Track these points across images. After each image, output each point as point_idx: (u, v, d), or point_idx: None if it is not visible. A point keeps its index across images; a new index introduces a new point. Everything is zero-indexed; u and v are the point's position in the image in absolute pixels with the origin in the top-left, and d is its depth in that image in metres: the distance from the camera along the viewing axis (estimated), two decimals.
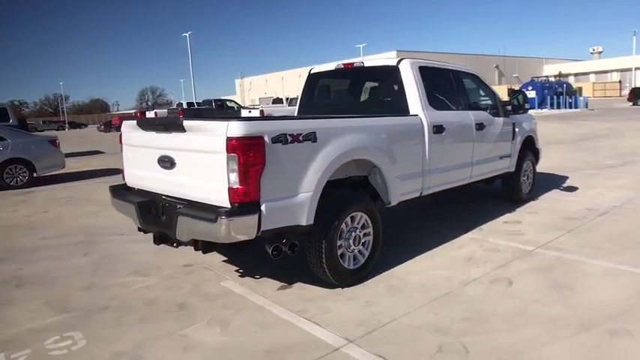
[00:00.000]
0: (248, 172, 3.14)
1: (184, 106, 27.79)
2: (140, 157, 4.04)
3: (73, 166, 13.43)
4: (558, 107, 31.34)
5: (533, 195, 6.95)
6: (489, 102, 5.91)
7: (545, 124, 21.58)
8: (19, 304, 3.93)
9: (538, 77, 37.66)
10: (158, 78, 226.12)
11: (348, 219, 3.88)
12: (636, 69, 57.50)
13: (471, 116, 5.34)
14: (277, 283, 4.10)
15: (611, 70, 63.63)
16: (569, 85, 34.64)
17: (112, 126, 38.92)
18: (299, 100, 5.78)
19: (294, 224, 3.46)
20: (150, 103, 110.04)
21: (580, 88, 39.32)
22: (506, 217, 6.01)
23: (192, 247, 3.71)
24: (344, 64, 5.25)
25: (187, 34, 45.19)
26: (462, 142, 5.17)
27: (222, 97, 37.42)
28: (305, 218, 3.50)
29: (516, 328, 3.17)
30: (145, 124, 3.90)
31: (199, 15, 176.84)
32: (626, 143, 13.31)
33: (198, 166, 3.42)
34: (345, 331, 3.20)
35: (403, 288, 3.90)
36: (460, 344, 2.98)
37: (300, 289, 3.98)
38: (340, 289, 3.91)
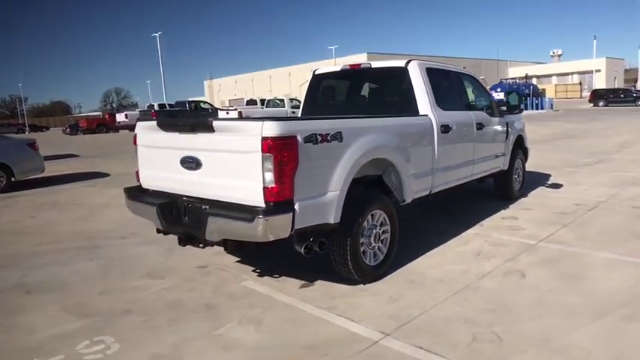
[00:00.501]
0: (283, 171, 3.19)
1: (156, 107, 27.25)
2: (159, 158, 4.02)
3: (50, 170, 13.00)
4: (526, 108, 32.39)
5: (523, 192, 7.24)
6: (485, 102, 6.13)
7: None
8: (35, 311, 3.83)
9: (506, 79, 38.90)
10: (123, 79, 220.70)
11: (369, 216, 3.98)
12: (596, 71, 60.32)
13: (472, 116, 5.54)
14: (298, 282, 4.16)
15: (572, 73, 66.36)
16: (535, 87, 35.96)
17: (80, 129, 37.72)
18: (303, 101, 5.84)
19: (323, 222, 3.53)
20: (114, 105, 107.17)
21: (544, 90, 40.85)
22: (502, 213, 6.24)
23: (212, 248, 3.71)
24: (350, 66, 5.36)
25: (157, 35, 44.38)
26: (465, 141, 5.36)
27: (195, 99, 36.93)
28: (333, 216, 3.57)
29: (539, 317, 3.34)
30: (167, 125, 3.88)
31: (165, 14, 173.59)
32: (596, 142, 13.96)
33: (229, 167, 3.44)
34: (379, 325, 3.29)
35: (423, 282, 4.03)
36: (492, 333, 3.12)
37: (322, 286, 4.04)
38: (362, 285, 4.00)
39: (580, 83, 56.86)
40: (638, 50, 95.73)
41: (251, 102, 33.52)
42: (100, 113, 53.10)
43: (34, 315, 3.76)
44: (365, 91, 5.63)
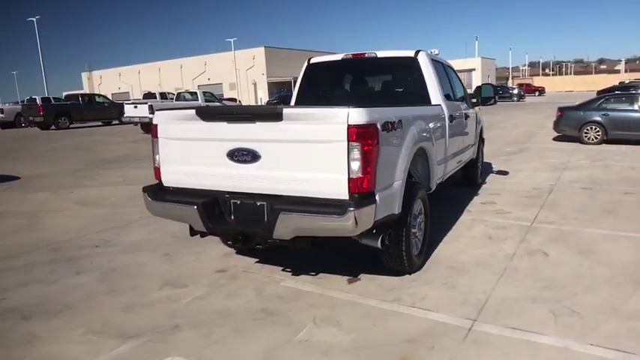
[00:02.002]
0: (368, 161, 3.06)
1: (39, 102, 24.07)
2: (195, 152, 3.59)
3: None
4: None
5: (483, 179, 7.78)
6: (463, 94, 6.46)
7: None
8: (55, 338, 3.21)
9: None
10: None
11: (415, 206, 3.98)
12: (473, 70, 67.45)
13: (462, 107, 5.81)
14: (341, 277, 4.02)
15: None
16: None
17: None
18: (297, 90, 5.61)
19: (391, 213, 3.46)
20: None
21: None
22: (478, 199, 6.65)
23: (212, 250, 3.43)
24: (353, 55, 5.28)
25: (34, 19, 39.21)
26: (460, 130, 5.61)
27: (79, 92, 33.41)
28: (397, 207, 3.52)
29: (590, 289, 3.63)
30: (212, 114, 3.48)
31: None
32: (503, 134, 15.48)
33: (300, 158, 3.20)
34: (459, 312, 3.32)
35: (463, 268, 4.14)
36: (566, 308, 3.32)
37: (369, 280, 3.96)
38: (408, 275, 4.00)
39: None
40: (509, 52, 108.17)
41: (149, 95, 31.27)
42: None
43: (59, 344, 3.15)
44: (370, 81, 5.59)
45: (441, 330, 3.10)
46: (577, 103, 13.56)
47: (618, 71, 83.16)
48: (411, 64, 4.93)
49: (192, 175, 3.66)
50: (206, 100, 20.97)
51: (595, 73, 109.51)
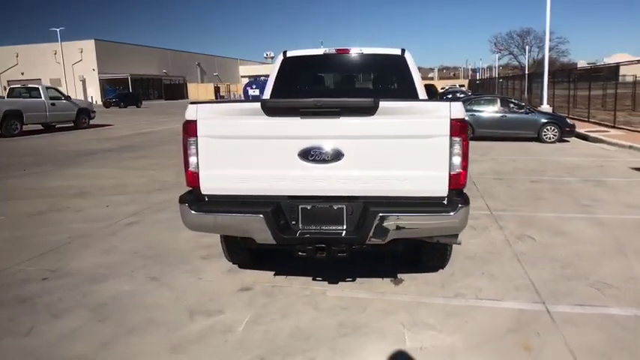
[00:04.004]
0: (465, 155, 3.02)
1: None
2: (253, 152, 3.07)
3: None
4: None
5: None
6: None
7: None
8: None
9: (259, 77, 41.17)
10: None
11: None
12: None
13: None
14: (381, 280, 3.90)
15: None
16: None
17: None
18: (272, 85, 5.19)
19: None
20: None
21: None
22: None
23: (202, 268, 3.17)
24: (337, 50, 5.10)
25: None
26: None
27: None
28: None
29: (597, 263, 4.18)
30: (281, 109, 3.00)
31: None
32: None
33: (393, 155, 2.99)
34: (524, 298, 3.53)
35: (482, 258, 4.37)
36: (599, 282, 3.76)
37: (411, 279, 3.91)
38: (442, 270, 4.06)
39: None
40: None
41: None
42: None
43: None
44: (354, 77, 5.45)
45: (528, 316, 3.24)
46: None
47: (432, 78, 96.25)
48: (399, 61, 4.98)
49: (247, 180, 3.12)
50: (51, 98, 17.87)
51: None
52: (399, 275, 3.97)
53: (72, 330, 3.18)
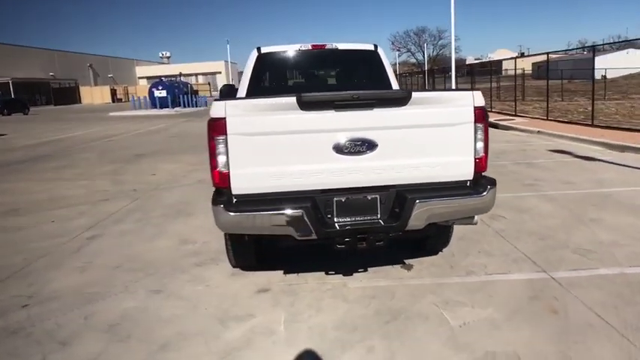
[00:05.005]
0: (487, 140, 3.24)
1: None
2: (287, 148, 3.01)
3: None
4: (184, 105, 33.82)
5: None
6: None
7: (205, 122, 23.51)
8: None
9: (165, 77, 39.11)
10: None
11: None
12: (217, 73, 69.21)
13: None
14: (391, 267, 4.04)
15: (197, 74, 72.58)
16: (191, 86, 37.90)
17: None
18: (247, 81, 5.05)
19: None
20: None
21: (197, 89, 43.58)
22: None
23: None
24: (312, 46, 5.11)
25: None
26: None
27: None
28: None
29: (568, 232, 4.68)
30: (316, 102, 2.96)
31: None
32: None
33: (422, 143, 3.12)
34: (526, 269, 3.89)
35: (471, 238, 4.68)
36: (579, 249, 4.23)
37: (418, 263, 4.10)
38: (441, 252, 4.29)
39: (209, 83, 63.57)
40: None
41: None
42: None
43: None
44: (329, 71, 5.46)
45: (539, 285, 3.56)
46: None
47: None
48: (372, 56, 5.14)
49: (281, 176, 3.04)
50: None
51: None
52: (406, 261, 4.13)
53: (96, 355, 2.88)
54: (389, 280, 3.78)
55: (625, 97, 22.96)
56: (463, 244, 4.47)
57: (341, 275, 3.90)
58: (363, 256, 4.18)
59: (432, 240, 4.08)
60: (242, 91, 5.08)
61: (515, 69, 20.10)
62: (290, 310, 3.35)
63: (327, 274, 3.95)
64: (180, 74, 37.73)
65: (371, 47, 5.21)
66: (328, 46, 5.19)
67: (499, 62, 30.77)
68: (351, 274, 3.91)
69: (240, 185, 3.05)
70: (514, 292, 3.48)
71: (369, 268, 4.00)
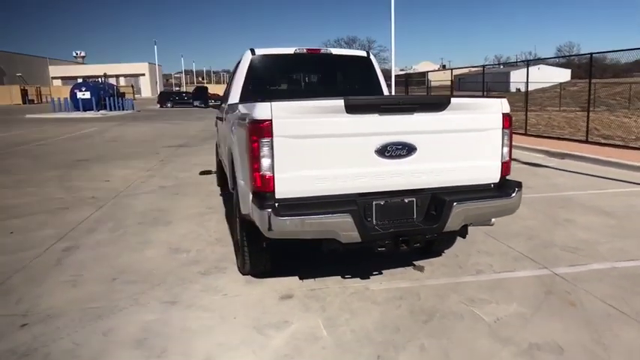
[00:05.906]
0: (511, 146, 3.45)
1: None
2: (332, 151, 3.00)
3: None
4: (110, 109, 31.89)
5: None
6: None
7: (140, 126, 22.59)
8: None
9: (89, 78, 36.45)
10: None
11: None
12: (141, 75, 65.84)
13: None
14: (403, 269, 4.15)
15: (119, 75, 68.65)
16: (117, 88, 35.69)
17: None
18: (242, 83, 4.91)
19: None
20: None
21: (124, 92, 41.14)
22: None
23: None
24: (307, 50, 5.11)
25: None
26: None
27: None
28: None
29: (550, 231, 5.05)
30: (362, 106, 2.97)
31: None
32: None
33: (456, 147, 3.26)
34: (529, 267, 4.15)
35: (466, 239, 4.90)
36: (568, 246, 4.60)
37: (427, 264, 4.23)
38: (444, 253, 4.47)
39: (132, 85, 60.36)
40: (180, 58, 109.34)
41: None
42: None
43: None
44: (323, 76, 5.45)
45: (547, 280, 3.83)
46: None
47: None
48: (367, 62, 5.25)
49: (324, 180, 3.02)
50: None
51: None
52: (415, 263, 4.24)
53: None
54: (407, 281, 3.87)
55: (542, 109, 25.18)
56: (461, 246, 4.67)
57: (358, 278, 3.93)
58: (371, 260, 4.24)
59: (439, 242, 4.23)
60: (235, 92, 4.94)
61: (449, 80, 21.33)
62: (324, 315, 3.32)
63: (343, 277, 3.96)
64: (105, 75, 35.38)
65: (364, 54, 5.32)
66: (323, 51, 5.22)
67: (423, 74, 32.47)
68: (369, 277, 3.95)
69: (285, 189, 2.99)
70: (528, 288, 3.71)
71: (383, 271, 4.06)
